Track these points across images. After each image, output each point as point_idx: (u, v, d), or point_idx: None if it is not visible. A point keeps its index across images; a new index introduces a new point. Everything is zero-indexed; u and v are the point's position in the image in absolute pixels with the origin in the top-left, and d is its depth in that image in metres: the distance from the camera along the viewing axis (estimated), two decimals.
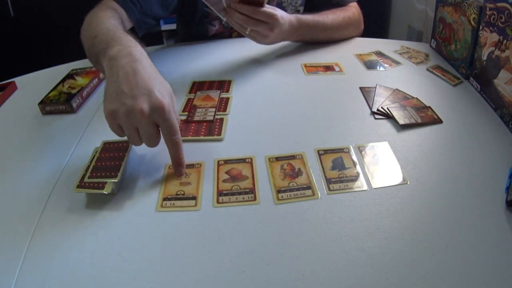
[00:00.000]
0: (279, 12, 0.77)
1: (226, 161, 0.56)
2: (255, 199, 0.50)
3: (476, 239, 0.44)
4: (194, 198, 0.51)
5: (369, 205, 0.49)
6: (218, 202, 0.50)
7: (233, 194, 0.51)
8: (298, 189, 0.51)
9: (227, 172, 0.54)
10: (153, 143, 0.51)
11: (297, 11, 1.01)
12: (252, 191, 0.51)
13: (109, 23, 0.66)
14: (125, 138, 0.52)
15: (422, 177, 0.53)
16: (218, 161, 0.56)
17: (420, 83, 0.76)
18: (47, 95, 0.72)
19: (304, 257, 0.43)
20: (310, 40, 0.91)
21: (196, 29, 0.99)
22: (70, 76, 0.80)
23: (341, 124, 0.64)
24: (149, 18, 0.82)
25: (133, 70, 0.50)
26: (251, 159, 0.56)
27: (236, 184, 0.52)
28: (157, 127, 0.50)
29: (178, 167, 0.54)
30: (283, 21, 0.78)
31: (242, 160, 0.56)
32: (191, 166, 0.56)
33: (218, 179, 0.53)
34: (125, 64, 0.51)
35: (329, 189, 0.51)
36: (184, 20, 1.03)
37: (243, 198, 0.50)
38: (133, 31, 0.78)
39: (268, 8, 0.75)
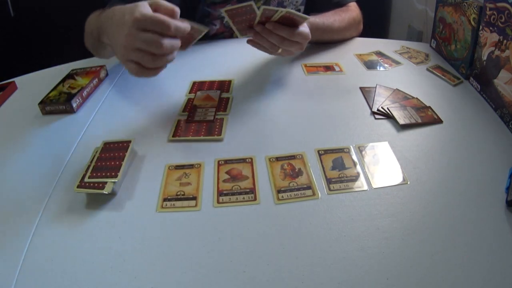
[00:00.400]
0: (307, 28, 0.71)
1: (226, 161, 0.56)
2: (255, 199, 0.50)
3: (476, 239, 0.44)
4: (194, 198, 0.51)
5: (369, 205, 0.49)
6: (218, 202, 0.50)
7: (233, 194, 0.51)
8: (298, 189, 0.51)
9: (227, 172, 0.54)
10: (158, 45, 0.51)
11: (298, 11, 1.01)
12: (252, 191, 0.51)
13: (99, 15, 0.69)
14: (127, 138, 0.52)
15: (422, 177, 0.53)
16: (218, 161, 0.56)
17: (420, 83, 0.76)
18: (47, 95, 0.72)
19: (304, 257, 0.43)
20: (314, 41, 0.91)
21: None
22: (70, 76, 0.80)
23: (341, 124, 0.64)
24: None
25: (110, 19, 0.57)
26: (251, 159, 0.56)
27: (236, 184, 0.52)
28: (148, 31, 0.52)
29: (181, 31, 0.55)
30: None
31: (242, 160, 0.56)
32: (191, 166, 0.56)
33: (218, 179, 0.53)
34: (106, 25, 0.59)
35: (329, 189, 0.51)
36: (184, 18, 1.03)
37: (243, 198, 0.50)
38: None
39: (303, 28, 0.68)
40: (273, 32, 0.66)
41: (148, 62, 0.53)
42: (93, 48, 0.76)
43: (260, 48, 0.71)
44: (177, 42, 0.54)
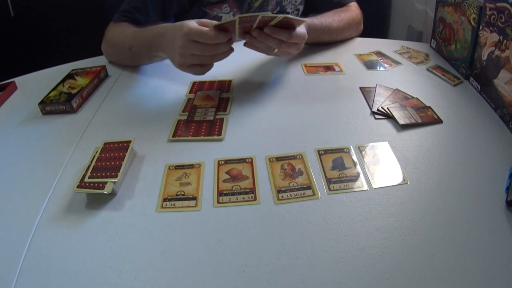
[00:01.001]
0: (304, 28, 0.73)
1: (226, 161, 0.56)
2: (255, 199, 0.50)
3: (476, 239, 0.44)
4: (194, 198, 0.51)
5: (369, 205, 0.49)
6: (218, 202, 0.50)
7: (233, 194, 0.51)
8: (298, 189, 0.51)
9: (227, 172, 0.54)
10: (212, 48, 0.65)
11: (297, 10, 1.01)
12: (252, 191, 0.51)
13: (133, 29, 0.82)
14: (127, 138, 0.52)
15: (422, 177, 0.53)
16: (218, 161, 0.56)
17: (420, 83, 0.76)
18: (47, 95, 0.72)
19: (304, 257, 0.43)
20: (314, 42, 0.91)
21: None
22: (70, 76, 0.80)
23: (341, 124, 0.64)
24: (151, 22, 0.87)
25: (163, 36, 0.71)
26: (251, 159, 0.56)
27: (236, 184, 0.52)
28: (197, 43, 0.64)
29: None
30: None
31: (242, 160, 0.56)
32: (191, 166, 0.56)
33: (218, 179, 0.53)
34: (164, 39, 0.71)
35: (329, 189, 0.51)
36: (180, 19, 1.03)
37: (243, 198, 0.50)
38: None
39: (300, 29, 0.70)
40: (271, 36, 0.67)
41: (205, 59, 0.67)
42: (128, 58, 0.85)
43: (256, 50, 0.72)
44: (221, 46, 0.66)
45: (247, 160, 0.56)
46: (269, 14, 0.62)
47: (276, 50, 0.71)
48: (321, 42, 0.91)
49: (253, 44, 0.70)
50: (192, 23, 0.65)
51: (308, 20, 0.83)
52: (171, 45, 0.67)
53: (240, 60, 0.86)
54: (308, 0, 1.00)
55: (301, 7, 1.01)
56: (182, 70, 0.69)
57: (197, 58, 0.66)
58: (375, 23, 1.56)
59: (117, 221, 0.48)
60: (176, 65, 0.69)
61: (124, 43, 0.81)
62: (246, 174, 0.54)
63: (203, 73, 0.69)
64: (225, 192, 0.51)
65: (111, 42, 0.85)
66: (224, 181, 0.53)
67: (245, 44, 0.71)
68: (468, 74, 0.76)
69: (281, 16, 0.62)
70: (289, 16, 0.64)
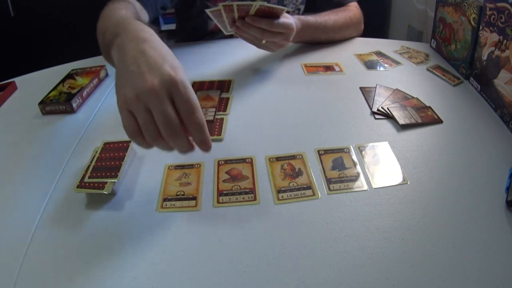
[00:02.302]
0: (292, 19, 0.75)
1: (226, 161, 0.56)
2: (255, 199, 0.50)
3: (476, 239, 0.44)
4: (194, 198, 0.51)
5: (369, 205, 0.49)
6: (218, 202, 0.50)
7: (233, 194, 0.51)
8: (298, 189, 0.51)
9: (227, 172, 0.54)
10: (174, 133, 0.41)
11: (298, 10, 1.01)
12: (252, 191, 0.51)
13: (119, 14, 0.62)
14: (127, 139, 0.50)
15: (422, 177, 0.53)
16: (218, 161, 0.56)
17: (420, 83, 0.76)
18: (47, 95, 0.72)
19: (304, 257, 0.43)
20: (311, 41, 0.91)
21: (196, 22, 0.99)
22: (70, 76, 0.80)
23: (341, 124, 0.64)
24: (158, 7, 0.83)
25: (141, 51, 0.44)
26: (251, 159, 0.56)
27: (236, 184, 0.52)
28: (175, 109, 0.41)
29: (205, 148, 0.44)
30: (295, 27, 0.76)
31: (242, 160, 0.56)
32: (191, 166, 0.56)
33: (218, 179, 0.53)
34: (132, 49, 0.45)
35: (329, 189, 0.51)
36: (183, 14, 1.03)
37: (243, 198, 0.50)
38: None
39: (284, 19, 0.72)
40: (252, 25, 0.70)
41: (150, 134, 0.42)
42: (104, 57, 0.64)
43: (245, 40, 0.75)
44: (189, 145, 0.44)
45: (247, 160, 0.56)
46: (245, 2, 0.65)
47: (264, 41, 0.74)
48: (318, 40, 0.91)
49: (240, 34, 0.74)
50: (186, 79, 0.43)
51: (302, 16, 0.83)
52: (137, 69, 0.42)
53: (240, 60, 0.86)
54: (309, 0, 1.00)
55: (302, 7, 1.01)
56: (121, 114, 0.43)
57: (148, 119, 0.41)
58: (375, 23, 1.56)
59: (117, 221, 0.48)
60: (119, 100, 0.43)
61: (105, 23, 0.62)
62: (246, 174, 0.54)
63: (136, 142, 0.43)
64: (225, 192, 0.51)
65: (101, 16, 0.67)
66: (224, 181, 0.53)
67: (235, 34, 0.75)
68: (468, 74, 0.76)
69: (257, 3, 0.66)
70: (265, 4, 0.67)
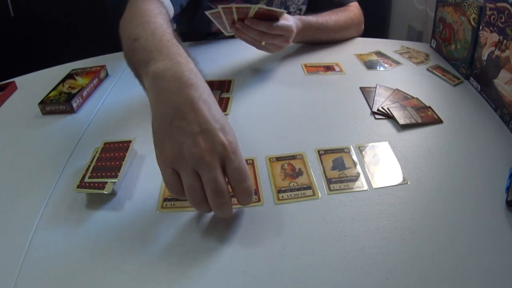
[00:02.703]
0: (292, 21, 0.75)
1: None
2: (259, 200, 0.50)
3: (476, 239, 0.44)
4: None
5: (369, 205, 0.49)
6: None
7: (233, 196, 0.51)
8: (298, 189, 0.51)
9: None
10: (223, 202, 0.39)
11: (299, 10, 1.01)
12: (255, 192, 0.51)
13: (155, 22, 0.54)
14: (127, 138, 0.50)
15: (422, 177, 0.53)
16: None
17: (420, 83, 0.76)
18: (47, 95, 0.72)
19: (304, 257, 0.43)
20: (312, 41, 0.91)
21: (199, 23, 0.99)
22: (70, 76, 0.80)
23: (341, 124, 0.64)
24: (178, 6, 0.81)
25: (189, 102, 0.39)
26: (252, 160, 0.56)
27: None
28: (224, 176, 0.40)
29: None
30: (295, 29, 0.76)
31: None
32: None
33: None
34: (175, 93, 0.40)
35: (330, 189, 0.51)
36: (187, 16, 1.03)
37: None
38: None
39: (284, 21, 0.72)
40: (251, 27, 0.70)
41: (194, 198, 0.39)
42: (128, 64, 0.55)
43: (245, 41, 0.76)
44: (231, 213, 0.43)
45: (248, 162, 0.56)
46: (244, 5, 0.65)
47: (263, 43, 0.75)
48: (319, 40, 0.91)
49: (239, 36, 0.74)
50: (235, 139, 0.41)
51: (303, 17, 0.83)
52: (183, 127, 0.39)
53: (240, 60, 0.86)
54: (311, 0, 1.00)
55: (303, 7, 1.01)
56: (162, 172, 0.41)
57: (193, 181, 0.39)
58: (375, 23, 1.56)
59: (117, 221, 0.48)
60: (159, 160, 0.41)
61: (135, 26, 0.54)
62: None
63: (179, 197, 0.42)
64: None
65: (132, 13, 0.58)
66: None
67: (235, 35, 0.75)
68: (468, 74, 0.76)
69: (256, 6, 0.67)
70: (264, 6, 0.67)
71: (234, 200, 0.43)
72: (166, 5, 0.71)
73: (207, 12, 0.70)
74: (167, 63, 0.43)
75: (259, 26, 0.70)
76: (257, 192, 0.51)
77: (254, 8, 0.67)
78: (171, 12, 0.76)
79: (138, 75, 0.49)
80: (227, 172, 0.40)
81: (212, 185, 0.38)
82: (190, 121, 0.39)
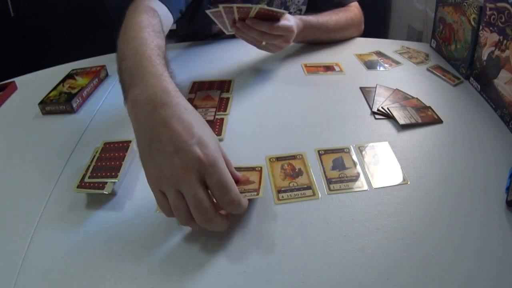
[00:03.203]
0: (292, 22, 0.75)
1: None
2: (258, 193, 0.49)
3: (476, 239, 0.44)
4: None
5: (369, 205, 0.49)
6: None
7: None
8: (298, 189, 0.51)
9: None
10: (207, 218, 0.39)
11: (299, 10, 1.01)
12: (256, 191, 0.51)
13: (141, 38, 0.54)
14: (127, 138, 0.50)
15: (422, 177, 0.53)
16: None
17: (420, 83, 0.76)
18: (47, 95, 0.72)
19: (304, 257, 0.43)
20: (312, 41, 0.91)
21: (200, 25, 0.99)
22: (70, 76, 0.80)
23: (341, 124, 0.64)
24: (178, 12, 0.81)
25: (163, 123, 0.40)
26: (261, 167, 0.55)
27: (241, 186, 0.52)
28: (207, 190, 0.40)
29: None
30: (296, 29, 0.76)
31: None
32: None
33: None
34: (150, 112, 0.41)
35: (330, 189, 0.51)
36: (188, 17, 1.03)
37: None
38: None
39: (285, 22, 0.73)
40: (252, 27, 0.70)
41: (181, 217, 0.40)
42: (117, 71, 0.55)
43: (246, 41, 0.76)
44: (224, 226, 0.42)
45: (257, 169, 0.53)
46: (245, 5, 0.65)
47: (264, 43, 0.75)
48: (319, 40, 0.91)
49: (240, 35, 0.75)
50: (219, 149, 0.41)
51: (304, 17, 0.83)
52: (159, 149, 0.40)
53: (240, 60, 0.86)
54: (311, 1, 1.00)
55: (303, 7, 1.01)
56: (154, 195, 0.42)
57: (179, 202, 0.39)
58: (375, 23, 1.56)
59: (117, 221, 0.48)
60: (149, 183, 0.42)
61: (124, 44, 0.55)
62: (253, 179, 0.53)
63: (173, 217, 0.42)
64: None
65: (124, 27, 0.59)
66: None
67: (236, 34, 0.76)
68: (468, 74, 0.76)
69: (257, 6, 0.67)
70: (265, 7, 0.67)
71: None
72: (160, 14, 0.69)
73: (208, 11, 0.70)
74: (142, 86, 0.44)
75: (260, 26, 0.70)
76: (257, 191, 0.49)
77: (255, 8, 0.67)
78: (169, 20, 0.76)
79: (124, 97, 0.50)
80: (208, 186, 0.40)
81: (193, 203, 0.38)
82: (165, 141, 0.39)
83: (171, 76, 0.48)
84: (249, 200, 0.48)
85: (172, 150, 0.39)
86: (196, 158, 0.38)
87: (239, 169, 0.52)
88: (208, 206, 0.39)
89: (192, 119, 0.41)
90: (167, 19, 0.74)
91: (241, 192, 0.45)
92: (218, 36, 1.01)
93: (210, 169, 0.38)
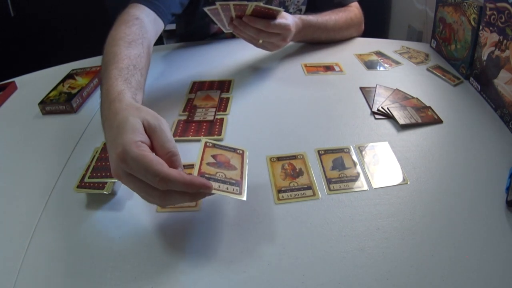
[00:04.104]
0: (290, 20, 0.75)
1: None
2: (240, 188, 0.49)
3: (476, 239, 0.44)
4: None
5: (369, 205, 0.49)
6: None
7: None
8: (298, 189, 0.51)
9: None
10: (152, 200, 0.42)
11: (299, 10, 1.01)
12: None
13: (111, 52, 0.58)
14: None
15: (422, 177, 0.53)
16: None
17: (420, 83, 0.76)
18: (47, 95, 0.72)
19: (304, 257, 0.43)
20: (311, 41, 0.91)
21: (198, 26, 0.99)
22: (70, 76, 0.80)
23: (341, 124, 0.64)
24: (170, 15, 0.81)
25: (105, 139, 0.46)
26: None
27: None
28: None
29: (197, 192, 0.42)
30: (293, 27, 0.77)
31: None
32: (191, 166, 0.56)
33: None
34: (104, 129, 0.47)
35: (330, 189, 0.51)
36: (185, 18, 1.03)
37: None
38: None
39: (281, 20, 0.73)
40: (248, 24, 0.71)
41: (144, 195, 0.42)
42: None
43: (243, 39, 0.76)
44: (179, 198, 0.42)
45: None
46: (241, 2, 0.66)
47: (260, 41, 0.75)
48: (319, 40, 0.91)
49: (237, 33, 0.75)
50: (138, 138, 0.41)
51: (303, 16, 0.83)
52: (109, 144, 0.44)
53: (240, 60, 0.86)
54: (311, 1, 1.00)
55: (303, 8, 1.01)
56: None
57: (132, 185, 0.42)
58: (375, 23, 1.56)
59: (117, 221, 0.48)
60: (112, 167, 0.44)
61: (105, 56, 0.59)
62: None
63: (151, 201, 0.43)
64: None
65: (109, 38, 0.63)
66: None
67: (233, 32, 0.76)
68: (468, 74, 0.76)
69: (253, 4, 0.67)
70: (261, 4, 0.68)
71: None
72: (149, 21, 0.71)
73: (205, 8, 0.70)
74: (104, 113, 0.49)
75: (256, 23, 0.70)
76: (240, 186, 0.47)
77: (251, 5, 0.67)
78: (159, 25, 0.75)
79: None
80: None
81: (136, 192, 0.42)
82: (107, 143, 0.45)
83: (132, 83, 0.53)
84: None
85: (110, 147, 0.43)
86: (115, 160, 0.41)
87: (220, 147, 0.51)
88: (147, 191, 0.41)
89: (119, 128, 0.43)
90: (157, 25, 0.75)
91: (221, 181, 0.45)
92: (217, 36, 1.01)
93: (122, 165, 0.40)
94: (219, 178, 0.46)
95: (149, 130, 0.43)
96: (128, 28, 0.65)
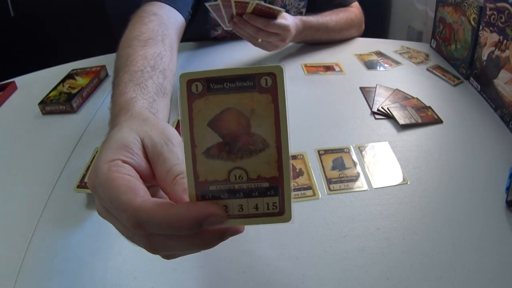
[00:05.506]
0: (290, 21, 0.75)
1: None
2: None
3: (476, 239, 0.44)
4: None
5: (369, 205, 0.49)
6: None
7: None
8: (298, 189, 0.51)
9: None
10: (127, 236, 0.33)
11: (300, 13, 1.01)
12: None
13: (123, 55, 0.53)
14: None
15: (422, 177, 0.53)
16: None
17: (420, 83, 0.76)
18: (47, 95, 0.72)
19: (304, 257, 0.43)
20: (312, 41, 0.91)
21: (197, 29, 0.98)
22: (70, 76, 0.80)
23: (341, 124, 0.64)
24: (187, 12, 0.77)
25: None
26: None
27: None
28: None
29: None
30: (293, 29, 0.77)
31: None
32: None
33: None
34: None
35: (330, 189, 0.51)
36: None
37: None
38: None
39: (281, 20, 0.73)
40: (248, 22, 0.71)
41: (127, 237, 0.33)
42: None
43: (242, 37, 0.76)
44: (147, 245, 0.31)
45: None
46: (242, 0, 0.67)
47: (259, 40, 0.75)
48: (319, 40, 0.91)
49: (237, 31, 0.74)
50: (104, 166, 0.29)
51: (304, 17, 0.83)
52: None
53: (240, 61, 0.86)
54: (311, 2, 1.00)
55: (304, 10, 1.01)
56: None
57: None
58: (375, 23, 1.56)
59: None
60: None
61: (118, 58, 0.55)
62: None
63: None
64: None
65: (122, 40, 0.58)
66: None
67: (233, 29, 0.75)
68: (468, 74, 0.76)
69: (254, 2, 0.68)
70: (262, 3, 0.68)
71: None
72: (169, 17, 0.66)
73: (207, 4, 0.70)
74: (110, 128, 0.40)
75: (256, 22, 0.71)
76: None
77: (252, 3, 0.68)
78: (180, 20, 0.71)
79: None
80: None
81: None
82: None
83: (145, 87, 0.45)
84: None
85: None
86: (92, 187, 0.31)
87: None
88: (124, 232, 0.32)
89: (104, 151, 0.32)
90: (177, 21, 0.70)
91: (242, 192, 0.27)
92: (216, 41, 1.00)
93: (94, 193, 0.32)
94: (236, 184, 0.27)
95: (152, 150, 0.31)
96: (144, 26, 0.59)
